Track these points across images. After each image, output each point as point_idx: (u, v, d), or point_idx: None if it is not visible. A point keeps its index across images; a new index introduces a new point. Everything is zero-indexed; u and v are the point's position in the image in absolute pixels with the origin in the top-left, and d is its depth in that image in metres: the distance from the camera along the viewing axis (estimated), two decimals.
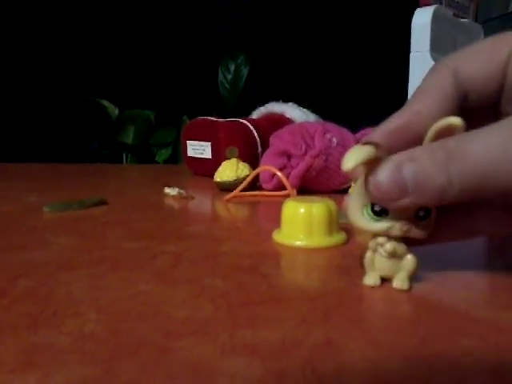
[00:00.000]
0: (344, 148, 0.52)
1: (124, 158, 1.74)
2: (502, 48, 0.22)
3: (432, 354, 0.17)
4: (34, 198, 0.51)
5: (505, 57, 0.22)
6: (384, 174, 0.21)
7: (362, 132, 0.56)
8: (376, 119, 0.59)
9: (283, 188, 0.50)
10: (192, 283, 0.24)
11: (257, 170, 0.51)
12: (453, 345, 0.18)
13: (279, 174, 0.49)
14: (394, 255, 0.24)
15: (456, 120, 0.21)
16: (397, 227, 0.23)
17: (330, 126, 0.55)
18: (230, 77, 1.80)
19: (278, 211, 0.34)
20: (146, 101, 1.93)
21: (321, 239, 0.32)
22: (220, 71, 1.82)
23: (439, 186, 0.20)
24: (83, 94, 1.91)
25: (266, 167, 0.52)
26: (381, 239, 0.24)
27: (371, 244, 0.24)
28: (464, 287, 0.24)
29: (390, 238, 0.23)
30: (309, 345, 0.18)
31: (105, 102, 1.74)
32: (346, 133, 0.55)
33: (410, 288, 0.24)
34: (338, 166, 0.52)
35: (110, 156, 1.83)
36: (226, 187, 0.54)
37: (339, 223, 0.34)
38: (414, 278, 0.24)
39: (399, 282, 0.24)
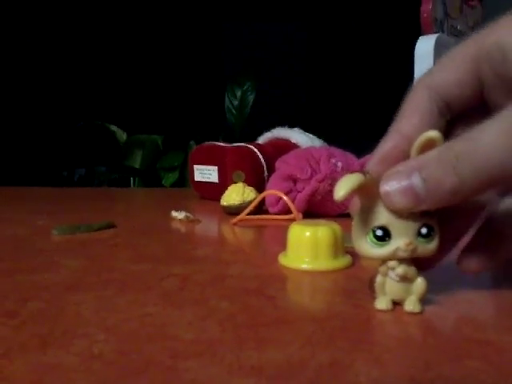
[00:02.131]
0: (349, 172, 0.53)
1: (132, 181, 1.76)
2: (468, 51, 0.23)
3: (436, 375, 0.17)
4: (42, 221, 0.52)
5: (471, 59, 0.23)
6: (394, 186, 0.22)
7: (366, 157, 0.56)
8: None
9: (289, 212, 0.51)
10: (199, 305, 0.25)
11: (263, 194, 0.51)
12: (457, 367, 0.18)
13: (285, 197, 0.49)
14: (405, 279, 0.24)
15: (433, 133, 0.22)
16: (402, 248, 0.23)
17: (335, 150, 0.55)
18: (236, 103, 1.82)
19: (283, 235, 0.35)
20: (154, 126, 1.95)
21: (326, 262, 0.32)
22: (227, 97, 1.85)
23: (451, 188, 0.21)
24: (92, 118, 1.94)
25: (272, 191, 0.52)
26: (392, 263, 0.23)
27: (382, 268, 0.24)
28: (470, 309, 0.24)
29: (400, 261, 0.23)
30: (314, 365, 0.18)
31: (113, 127, 1.76)
32: (350, 157, 0.55)
33: (422, 311, 0.24)
34: None
35: (117, 180, 1.84)
36: (233, 211, 0.54)
37: (345, 247, 0.34)
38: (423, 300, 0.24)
39: (411, 306, 0.24)
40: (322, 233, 0.32)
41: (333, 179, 0.52)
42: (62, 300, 0.26)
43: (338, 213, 0.54)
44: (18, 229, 0.48)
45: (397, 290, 0.24)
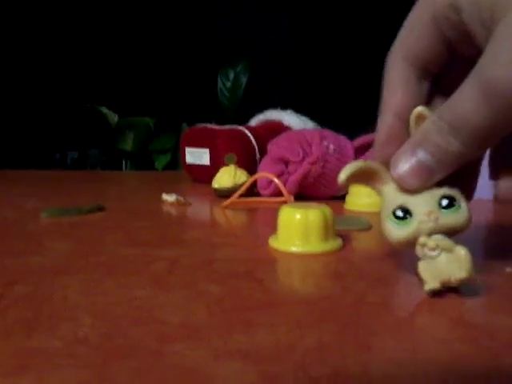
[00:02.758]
0: (341, 155, 0.53)
1: (123, 164, 1.75)
2: (426, 17, 0.23)
3: (424, 358, 0.17)
4: (32, 204, 0.52)
5: (431, 23, 0.23)
6: (405, 167, 0.23)
7: (359, 139, 0.56)
8: (373, 126, 0.59)
9: (281, 194, 0.50)
10: (187, 289, 0.25)
11: (254, 177, 0.51)
12: (446, 349, 0.18)
13: (276, 180, 0.49)
14: (441, 249, 0.23)
15: (420, 109, 0.24)
16: (425, 219, 0.23)
17: (328, 133, 0.55)
18: (229, 84, 1.80)
19: (274, 217, 0.34)
20: (146, 108, 1.93)
21: (317, 245, 0.32)
22: (219, 79, 1.83)
23: (457, 152, 0.21)
24: (83, 101, 1.92)
25: (263, 174, 0.52)
26: (422, 239, 0.23)
27: (418, 252, 0.24)
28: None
29: (429, 236, 0.23)
30: (302, 349, 0.18)
31: (104, 109, 1.74)
32: (343, 140, 0.55)
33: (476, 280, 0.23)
34: (336, 173, 0.52)
35: (109, 163, 1.83)
36: (224, 194, 0.54)
37: (335, 229, 0.34)
38: (399, 281, 0.24)
39: (463, 273, 0.22)
40: (312, 215, 0.32)
41: (325, 162, 0.52)
42: (48, 283, 0.25)
43: (330, 195, 0.54)
44: (7, 212, 0.48)
45: (441, 268, 0.23)
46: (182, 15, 2.39)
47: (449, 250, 0.23)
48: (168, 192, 0.54)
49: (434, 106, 0.26)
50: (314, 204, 0.35)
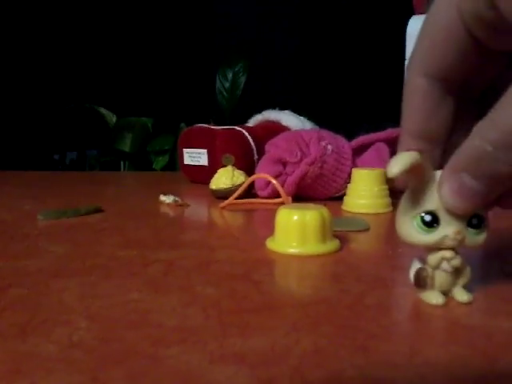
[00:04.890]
0: (339, 155, 0.53)
1: (122, 165, 1.74)
2: (447, 22, 0.21)
3: (421, 361, 0.17)
4: (29, 206, 0.51)
5: (454, 26, 0.20)
6: (453, 198, 0.21)
7: (357, 140, 0.56)
8: (371, 127, 0.59)
9: (279, 195, 0.50)
10: (183, 291, 0.24)
11: (251, 178, 0.50)
12: (443, 353, 0.18)
13: (274, 181, 0.48)
14: (457, 269, 0.23)
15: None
16: (451, 237, 0.22)
17: (325, 133, 0.55)
18: (227, 84, 1.80)
19: (272, 219, 0.34)
20: (144, 108, 1.93)
21: (314, 247, 0.32)
22: (218, 79, 1.82)
23: (509, 173, 0.19)
24: (81, 101, 1.91)
25: (261, 175, 0.52)
26: (448, 254, 0.22)
27: (432, 259, 0.23)
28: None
29: (455, 252, 0.22)
30: (298, 352, 0.18)
31: (102, 110, 1.74)
32: (341, 140, 0.55)
33: (447, 305, 0.23)
34: (334, 174, 0.52)
35: (107, 163, 1.83)
36: (222, 195, 0.54)
37: (333, 231, 0.34)
38: (396, 283, 0.24)
39: (464, 296, 0.23)
40: (309, 216, 0.32)
41: (323, 162, 0.52)
42: (44, 286, 0.25)
43: (329, 196, 0.54)
44: (4, 214, 0.47)
45: (445, 281, 0.23)
46: (179, 15, 2.39)
47: (461, 270, 0.23)
48: (166, 193, 0.54)
49: (463, 123, 0.23)
50: (311, 205, 0.35)
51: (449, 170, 0.21)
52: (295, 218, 0.32)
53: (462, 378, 0.16)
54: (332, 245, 0.33)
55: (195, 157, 0.70)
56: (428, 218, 0.22)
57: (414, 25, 0.62)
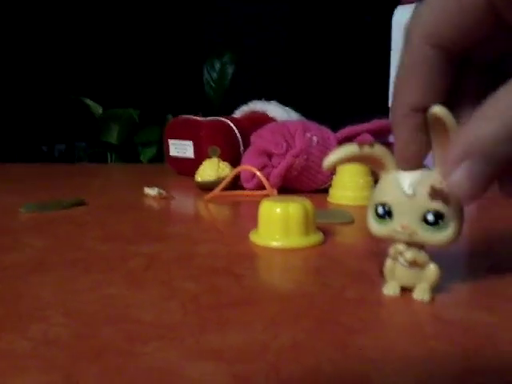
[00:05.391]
0: (324, 147, 0.52)
1: (108, 157, 1.73)
2: None
3: (399, 356, 0.17)
4: (11, 199, 0.51)
5: None
6: (464, 184, 0.19)
7: (342, 131, 0.56)
8: (357, 118, 0.59)
9: (264, 187, 0.50)
10: (163, 286, 0.24)
11: (236, 170, 0.50)
12: (421, 347, 0.18)
13: (258, 173, 0.48)
14: (414, 264, 0.22)
15: (437, 110, 0.20)
16: (398, 230, 0.22)
17: (311, 124, 0.55)
18: (215, 75, 1.79)
19: (257, 211, 0.34)
20: (130, 99, 1.91)
21: (297, 239, 0.32)
22: (205, 69, 1.81)
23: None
24: (67, 92, 1.89)
25: (246, 167, 0.51)
26: (400, 247, 0.22)
27: (391, 252, 0.23)
28: (439, 288, 0.24)
29: (410, 245, 0.22)
30: (275, 348, 0.17)
31: (88, 101, 1.72)
32: (326, 132, 0.55)
33: (432, 299, 0.22)
34: (319, 165, 0.52)
35: (95, 155, 1.81)
36: (207, 187, 0.54)
37: (317, 223, 0.34)
38: (374, 277, 0.24)
39: (420, 294, 0.22)
40: (292, 209, 0.32)
41: (308, 154, 0.51)
42: (21, 281, 0.25)
43: (315, 188, 0.54)
44: None
45: (407, 275, 0.23)
46: (167, 6, 2.36)
47: (421, 266, 0.22)
48: (151, 185, 0.54)
49: (465, 99, 0.22)
50: (295, 198, 0.34)
51: (455, 156, 0.19)
52: (278, 210, 0.32)
53: (441, 372, 0.16)
54: (315, 238, 0.33)
55: (181, 148, 0.69)
56: (380, 209, 0.22)
57: (401, 14, 0.62)
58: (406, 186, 0.21)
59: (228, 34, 2.29)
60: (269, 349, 0.17)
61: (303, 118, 0.69)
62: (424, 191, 0.21)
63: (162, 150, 0.77)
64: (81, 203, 0.47)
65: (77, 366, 0.16)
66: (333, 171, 0.52)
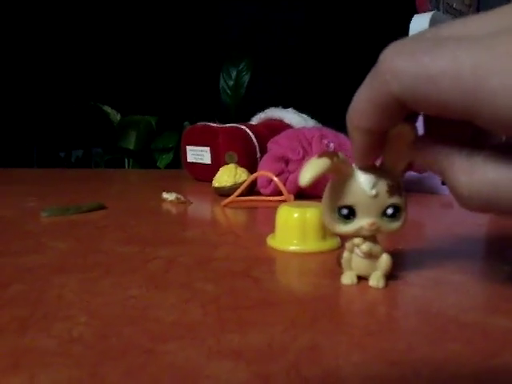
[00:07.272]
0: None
1: (126, 163, 1.75)
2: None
3: (417, 358, 0.17)
4: (32, 203, 0.52)
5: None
6: None
7: None
8: None
9: (281, 193, 0.50)
10: (183, 288, 0.25)
11: (253, 176, 0.51)
12: (439, 349, 0.18)
13: (275, 179, 0.49)
14: (369, 255, 0.25)
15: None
16: (366, 228, 0.24)
17: (327, 131, 0.55)
18: (231, 83, 1.80)
19: (274, 216, 0.34)
20: (148, 106, 1.93)
21: (314, 244, 0.32)
22: (221, 77, 1.83)
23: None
24: (86, 99, 1.92)
25: (263, 172, 0.52)
26: (357, 240, 0.25)
27: (348, 245, 0.25)
28: (455, 291, 0.24)
29: (365, 238, 0.25)
30: (295, 349, 0.18)
31: (107, 108, 1.74)
32: (342, 138, 0.55)
33: (386, 286, 0.25)
34: None
35: (112, 161, 1.83)
36: (224, 192, 0.54)
37: None
38: (396, 280, 0.24)
39: (375, 281, 0.25)
40: (310, 214, 0.32)
41: None
42: (45, 282, 0.25)
43: None
44: (8, 211, 0.48)
45: (363, 265, 0.25)
46: (184, 13, 2.39)
47: (375, 257, 0.25)
48: (169, 190, 0.54)
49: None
50: (312, 203, 0.35)
51: None
52: (295, 215, 0.32)
53: (458, 375, 0.16)
54: (332, 242, 0.33)
55: (198, 154, 0.70)
56: (345, 211, 0.24)
57: (416, 23, 0.62)
58: (368, 188, 0.23)
59: (244, 41, 2.30)
60: (288, 350, 0.18)
61: (320, 125, 0.69)
62: (383, 190, 0.23)
63: (179, 156, 0.78)
64: (100, 207, 0.48)
65: (101, 363, 0.17)
66: None
